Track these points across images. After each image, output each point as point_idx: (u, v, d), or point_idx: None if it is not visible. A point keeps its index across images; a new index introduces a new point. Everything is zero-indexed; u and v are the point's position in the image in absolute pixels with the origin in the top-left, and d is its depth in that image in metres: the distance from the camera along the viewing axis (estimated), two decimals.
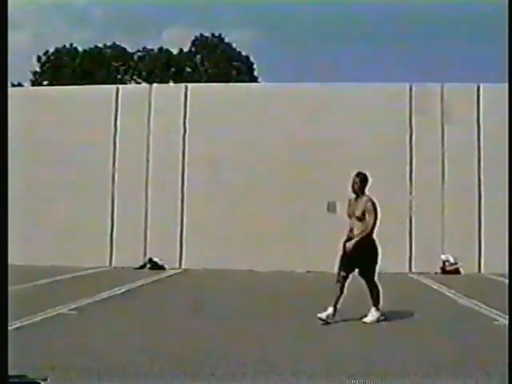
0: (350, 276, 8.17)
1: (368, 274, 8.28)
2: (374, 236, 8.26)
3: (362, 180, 8.53)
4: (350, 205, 8.53)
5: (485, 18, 53.02)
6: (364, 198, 8.38)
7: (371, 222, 8.14)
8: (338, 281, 8.12)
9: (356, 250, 8.09)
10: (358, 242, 8.09)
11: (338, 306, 8.10)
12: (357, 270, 8.29)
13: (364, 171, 8.72)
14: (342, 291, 8.11)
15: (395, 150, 16.88)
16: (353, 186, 8.54)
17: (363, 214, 8.19)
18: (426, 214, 16.71)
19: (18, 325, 7.52)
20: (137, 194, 17.27)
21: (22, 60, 44.04)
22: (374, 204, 8.28)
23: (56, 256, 16.37)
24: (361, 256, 8.12)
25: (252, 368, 5.61)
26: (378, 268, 8.33)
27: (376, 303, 8.31)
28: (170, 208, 17.08)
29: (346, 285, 8.13)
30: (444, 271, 16.29)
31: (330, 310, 8.04)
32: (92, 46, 44.20)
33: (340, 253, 8.35)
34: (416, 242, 16.69)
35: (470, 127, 16.90)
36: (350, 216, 8.41)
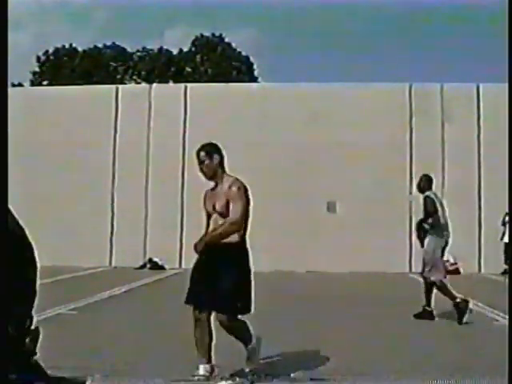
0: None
1: (229, 306, 4.93)
2: (247, 242, 5.16)
3: (220, 157, 5.35)
4: (206, 197, 5.32)
5: (485, 17, 53.03)
6: (226, 183, 5.14)
7: (238, 213, 5.00)
8: (196, 319, 5.02)
9: (217, 259, 4.99)
10: (222, 245, 4.98)
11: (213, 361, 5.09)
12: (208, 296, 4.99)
13: (215, 142, 5.49)
14: (210, 336, 5.05)
15: (395, 150, 16.88)
16: (204, 171, 5.33)
17: (227, 204, 5.03)
18: None
19: None
20: (137, 193, 17.26)
21: (23, 60, 44.04)
22: (241, 188, 5.08)
23: (56, 256, 16.35)
24: (223, 272, 4.95)
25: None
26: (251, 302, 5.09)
27: (253, 358, 5.11)
28: (170, 208, 17.07)
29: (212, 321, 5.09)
30: None
31: (203, 369, 5.00)
32: (91, 46, 44.20)
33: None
34: (416, 242, 16.64)
35: (470, 127, 16.90)
36: (209, 214, 5.24)
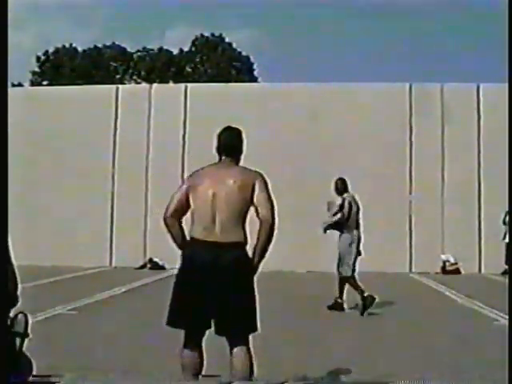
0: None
1: None
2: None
3: (216, 142, 4.57)
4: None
5: (484, 17, 53.04)
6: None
7: None
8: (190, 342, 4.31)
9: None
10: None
11: None
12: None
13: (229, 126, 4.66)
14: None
15: (395, 150, 16.88)
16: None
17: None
18: (426, 214, 16.70)
19: None
20: (137, 193, 17.25)
21: (23, 60, 44.07)
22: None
23: (56, 256, 16.35)
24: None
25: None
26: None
27: None
28: None
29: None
30: (444, 271, 16.29)
31: None
32: (91, 46, 44.22)
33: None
34: (416, 242, 16.68)
35: (470, 127, 16.90)
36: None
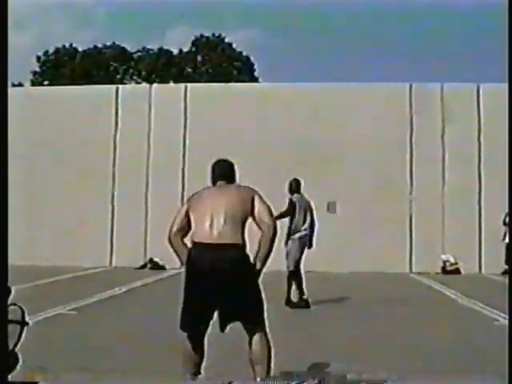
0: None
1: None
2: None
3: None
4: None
5: (485, 17, 53.05)
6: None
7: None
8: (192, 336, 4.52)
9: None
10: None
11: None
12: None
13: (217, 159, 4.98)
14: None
15: (395, 150, 16.88)
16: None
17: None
18: (426, 214, 16.70)
19: None
20: (137, 193, 17.26)
21: (23, 60, 44.04)
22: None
23: (56, 256, 16.36)
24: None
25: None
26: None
27: None
28: (170, 208, 17.04)
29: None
30: (444, 271, 16.29)
31: None
32: (91, 46, 44.21)
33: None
34: (416, 242, 16.68)
35: (470, 127, 16.90)
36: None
